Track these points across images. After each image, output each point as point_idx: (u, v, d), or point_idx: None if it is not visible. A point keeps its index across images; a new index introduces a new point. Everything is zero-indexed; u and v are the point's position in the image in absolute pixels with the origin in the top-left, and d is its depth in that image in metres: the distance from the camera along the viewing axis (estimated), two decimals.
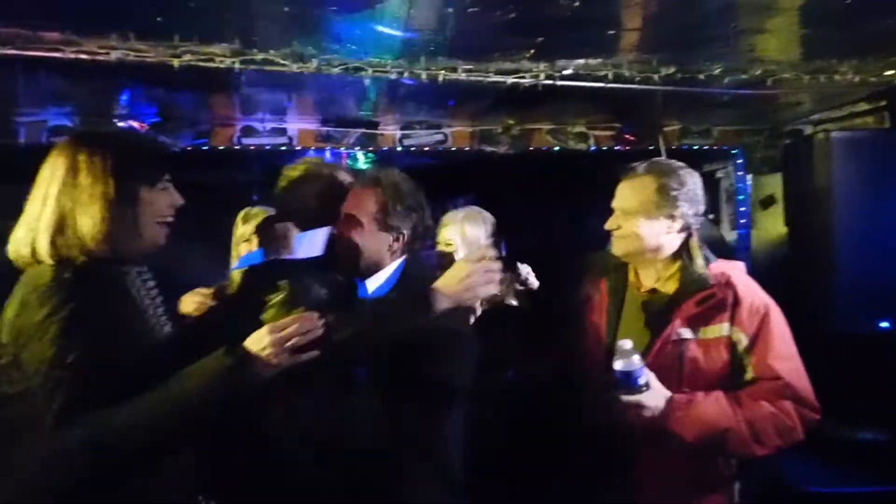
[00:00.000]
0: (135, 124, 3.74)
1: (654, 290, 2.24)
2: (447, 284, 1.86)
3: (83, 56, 2.64)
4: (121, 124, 3.71)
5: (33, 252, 1.68)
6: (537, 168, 4.36)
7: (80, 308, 1.59)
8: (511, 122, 4.05)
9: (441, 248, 3.02)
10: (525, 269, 3.01)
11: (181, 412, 1.60)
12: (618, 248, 2.26)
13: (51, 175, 1.76)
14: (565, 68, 3.09)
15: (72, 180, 1.74)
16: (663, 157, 3.13)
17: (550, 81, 3.13)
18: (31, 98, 3.30)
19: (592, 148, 4.19)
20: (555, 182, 4.47)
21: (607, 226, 2.25)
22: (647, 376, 1.99)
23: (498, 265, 1.91)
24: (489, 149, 4.10)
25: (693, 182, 2.19)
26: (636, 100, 3.39)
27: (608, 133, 4.24)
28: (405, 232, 2.10)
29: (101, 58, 2.66)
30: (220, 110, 3.68)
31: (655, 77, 3.14)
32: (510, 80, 3.14)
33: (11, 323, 1.62)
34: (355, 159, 3.86)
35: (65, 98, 3.40)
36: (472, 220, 3.03)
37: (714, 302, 2.10)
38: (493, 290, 1.89)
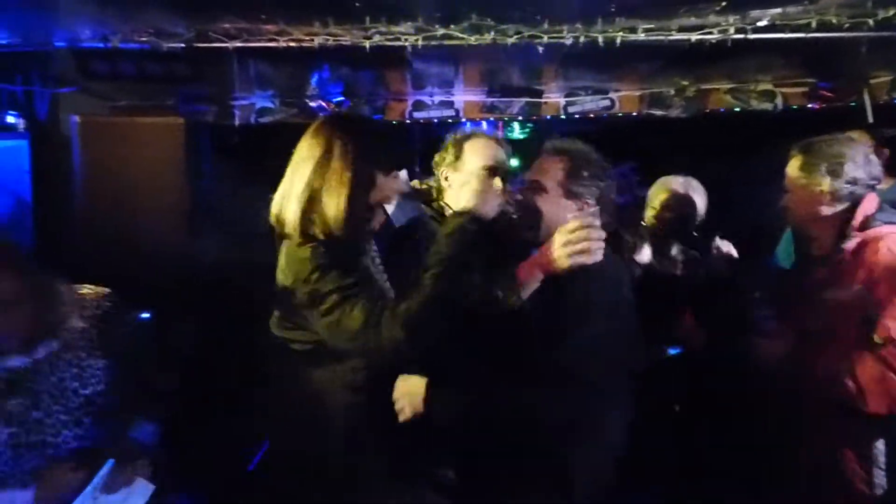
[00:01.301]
0: (323, 103, 3.21)
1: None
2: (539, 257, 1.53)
3: (292, 44, 2.42)
4: (311, 103, 3.22)
5: (282, 223, 1.50)
6: (713, 131, 3.26)
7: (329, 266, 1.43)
8: (685, 82, 3.10)
9: None
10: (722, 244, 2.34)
11: None
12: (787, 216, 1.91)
13: (307, 154, 1.51)
14: (759, 19, 2.27)
15: (325, 162, 1.48)
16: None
17: (742, 35, 2.32)
18: (243, 84, 3.09)
19: (780, 107, 3.04)
20: (734, 146, 3.34)
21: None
22: None
23: (593, 231, 1.49)
24: (659, 112, 3.14)
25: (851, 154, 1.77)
26: (839, 49, 2.44)
27: (800, 90, 3.04)
28: (589, 201, 1.65)
29: (306, 44, 2.43)
30: (395, 86, 3.21)
31: (870, 22, 2.20)
32: (695, 36, 2.35)
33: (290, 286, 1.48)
34: (512, 129, 2.80)
35: (268, 82, 3.11)
36: None
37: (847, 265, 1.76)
38: (592, 257, 1.49)
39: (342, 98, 3.26)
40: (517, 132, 3.39)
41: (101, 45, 2.38)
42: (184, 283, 2.33)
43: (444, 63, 2.92)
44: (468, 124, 3.20)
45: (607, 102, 3.11)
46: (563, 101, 3.16)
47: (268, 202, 1.51)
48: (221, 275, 2.39)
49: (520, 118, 3.21)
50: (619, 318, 1.56)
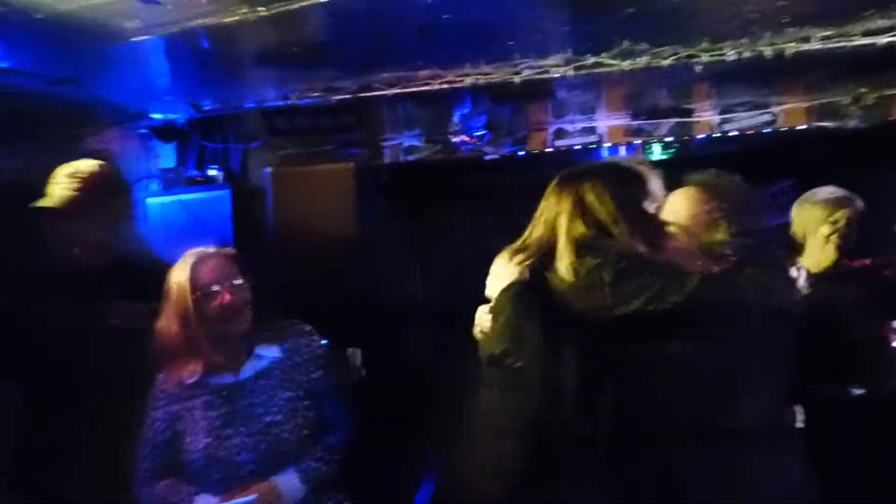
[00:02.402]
0: (465, 137, 3.21)
1: None
2: None
3: (444, 86, 2.54)
4: (454, 139, 3.22)
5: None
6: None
7: None
8: (863, 90, 2.70)
9: None
10: None
11: None
12: None
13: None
14: None
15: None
16: None
17: None
18: (393, 125, 3.23)
19: None
20: None
21: None
22: None
23: None
24: (832, 124, 2.76)
25: None
26: None
27: None
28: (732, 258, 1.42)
29: (457, 85, 2.53)
30: (535, 117, 3.16)
31: None
32: (884, 39, 2.08)
33: None
34: (651, 150, 2.64)
35: (414, 122, 3.22)
36: None
37: None
38: None
39: (484, 132, 3.29)
40: (656, 154, 3.19)
41: (282, 103, 2.64)
42: (360, 313, 2.47)
43: (586, 90, 2.87)
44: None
45: (768, 117, 2.81)
46: (717, 118, 2.92)
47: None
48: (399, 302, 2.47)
49: (669, 139, 3.02)
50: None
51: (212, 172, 2.92)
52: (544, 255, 1.40)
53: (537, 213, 1.49)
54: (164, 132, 2.87)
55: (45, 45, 2.12)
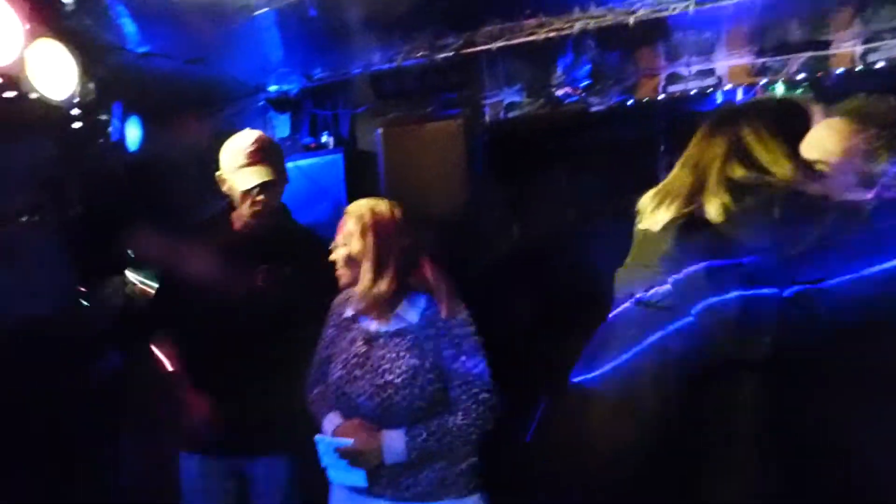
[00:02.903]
0: (569, 89, 3.07)
1: None
2: None
3: (552, 35, 2.47)
4: (557, 92, 3.07)
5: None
6: None
7: None
8: None
9: None
10: None
11: None
12: None
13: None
14: None
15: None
16: None
17: None
18: (493, 82, 3.12)
19: None
20: None
21: None
22: None
23: None
24: None
25: None
26: None
27: None
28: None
29: (565, 32, 2.46)
30: (646, 62, 2.94)
31: None
32: None
33: None
34: (773, 90, 2.40)
35: (515, 77, 3.10)
36: None
37: None
38: None
39: (589, 81, 3.12)
40: (781, 94, 2.87)
41: (387, 66, 2.67)
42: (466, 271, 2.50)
43: (705, 28, 2.63)
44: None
45: None
46: (859, 49, 2.55)
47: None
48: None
49: (801, 76, 2.69)
50: None
51: (324, 139, 3.06)
52: (687, 200, 1.34)
53: (682, 160, 1.42)
54: (280, 103, 3.03)
55: (178, 28, 2.31)
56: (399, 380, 1.54)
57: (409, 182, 2.56)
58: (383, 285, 1.57)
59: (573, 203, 3.57)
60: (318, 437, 1.61)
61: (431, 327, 1.57)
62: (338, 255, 1.64)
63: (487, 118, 3.36)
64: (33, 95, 2.01)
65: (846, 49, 2.58)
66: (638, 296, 1.38)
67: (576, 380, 1.47)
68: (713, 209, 1.28)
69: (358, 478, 1.57)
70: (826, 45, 2.59)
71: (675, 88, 2.92)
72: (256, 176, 1.89)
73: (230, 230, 1.99)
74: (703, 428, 1.27)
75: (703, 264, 1.26)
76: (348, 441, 1.55)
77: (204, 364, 1.92)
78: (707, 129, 1.40)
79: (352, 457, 1.55)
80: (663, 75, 2.95)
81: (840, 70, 2.58)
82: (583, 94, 3.11)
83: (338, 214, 1.83)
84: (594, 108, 3.05)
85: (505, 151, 3.38)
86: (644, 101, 2.99)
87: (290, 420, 1.87)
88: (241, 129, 1.99)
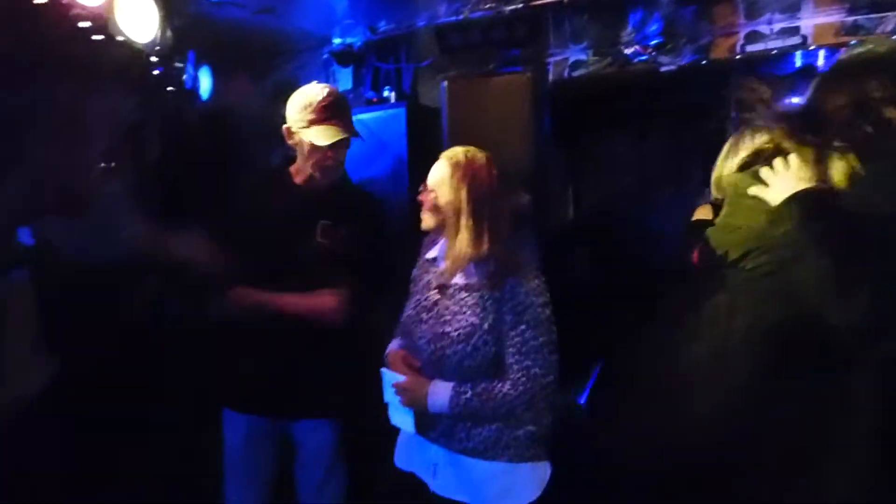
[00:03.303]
0: (638, 48, 2.92)
1: None
2: None
3: None
4: (626, 50, 2.94)
5: None
6: None
7: None
8: None
9: None
10: None
11: None
12: None
13: None
14: None
15: None
16: None
17: None
18: (558, 40, 3.02)
19: None
20: None
21: None
22: None
23: None
24: None
25: None
26: None
27: None
28: None
29: None
30: (723, 19, 2.77)
31: None
32: None
33: None
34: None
35: (582, 34, 2.98)
36: None
37: None
38: None
39: (660, 40, 2.97)
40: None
41: (454, 18, 2.61)
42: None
43: None
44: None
45: None
46: None
47: None
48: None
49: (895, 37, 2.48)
50: None
51: (386, 93, 3.04)
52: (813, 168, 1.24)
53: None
54: (343, 56, 3.02)
55: None
56: (456, 333, 1.51)
57: (473, 138, 2.50)
58: (481, 246, 1.51)
59: (638, 169, 3.45)
60: (382, 369, 1.62)
61: (497, 289, 1.51)
62: (426, 197, 1.59)
63: (552, 76, 3.29)
64: (119, 38, 2.07)
65: None
66: (734, 258, 1.32)
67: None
68: (838, 174, 1.20)
69: (407, 422, 1.58)
70: None
71: (754, 48, 2.73)
72: (332, 133, 1.85)
73: (292, 184, 1.97)
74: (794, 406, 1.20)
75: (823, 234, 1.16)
76: (401, 377, 1.56)
77: (259, 322, 1.90)
78: (825, 85, 1.29)
79: (402, 394, 1.56)
80: (742, 34, 2.77)
81: None
82: (653, 53, 2.97)
83: (400, 169, 1.82)
84: (664, 69, 2.92)
85: (569, 112, 3.28)
86: (718, 60, 2.81)
87: (342, 383, 1.90)
88: (305, 82, 1.98)
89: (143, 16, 2.25)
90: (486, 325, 1.50)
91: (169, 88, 2.44)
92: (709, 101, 3.00)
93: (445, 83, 2.65)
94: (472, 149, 1.64)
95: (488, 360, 1.51)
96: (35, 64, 1.89)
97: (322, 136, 1.87)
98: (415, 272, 1.74)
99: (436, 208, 1.57)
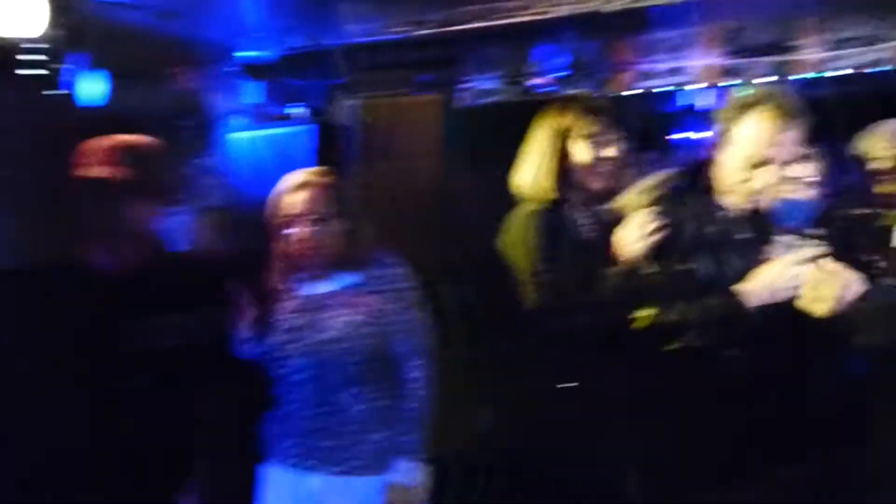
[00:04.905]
0: (546, 79, 3.00)
1: None
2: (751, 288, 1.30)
3: (533, 17, 2.43)
4: (535, 81, 3.02)
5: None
6: None
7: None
8: None
9: None
10: None
11: None
12: None
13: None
14: None
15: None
16: None
17: None
18: (471, 66, 3.03)
19: None
20: None
21: None
22: None
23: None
24: None
25: None
26: None
27: None
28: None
29: (547, 16, 2.42)
30: (621, 55, 2.92)
31: None
32: None
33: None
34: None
35: (493, 63, 3.03)
36: None
37: None
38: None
39: (567, 72, 3.08)
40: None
41: (366, 39, 2.56)
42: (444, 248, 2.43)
43: (679, 24, 2.62)
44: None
45: (885, 54, 2.47)
46: (823, 56, 2.59)
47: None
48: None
49: (759, 80, 2.72)
50: None
51: (297, 109, 2.93)
52: None
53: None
54: (254, 69, 2.88)
55: None
56: (337, 334, 1.48)
57: (383, 156, 2.48)
58: (353, 243, 1.52)
59: None
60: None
61: (374, 283, 1.53)
62: (302, 227, 1.52)
63: (463, 102, 3.32)
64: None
65: (811, 55, 2.63)
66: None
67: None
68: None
69: None
70: (792, 49, 2.63)
71: (647, 84, 2.91)
72: None
73: None
74: None
75: None
76: None
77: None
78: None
79: None
80: (636, 70, 2.94)
81: (804, 75, 2.63)
82: (557, 85, 3.09)
83: None
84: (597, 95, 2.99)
85: (478, 136, 3.32)
86: (616, 95, 2.97)
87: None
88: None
89: (31, 9, 2.02)
90: (370, 320, 1.51)
91: (49, 92, 2.19)
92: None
93: (356, 102, 2.64)
94: (308, 168, 1.65)
95: (378, 353, 1.51)
96: None
97: None
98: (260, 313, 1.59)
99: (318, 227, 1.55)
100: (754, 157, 1.32)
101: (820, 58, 2.61)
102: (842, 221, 1.40)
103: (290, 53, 2.87)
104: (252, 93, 3.00)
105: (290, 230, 1.52)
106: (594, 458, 1.51)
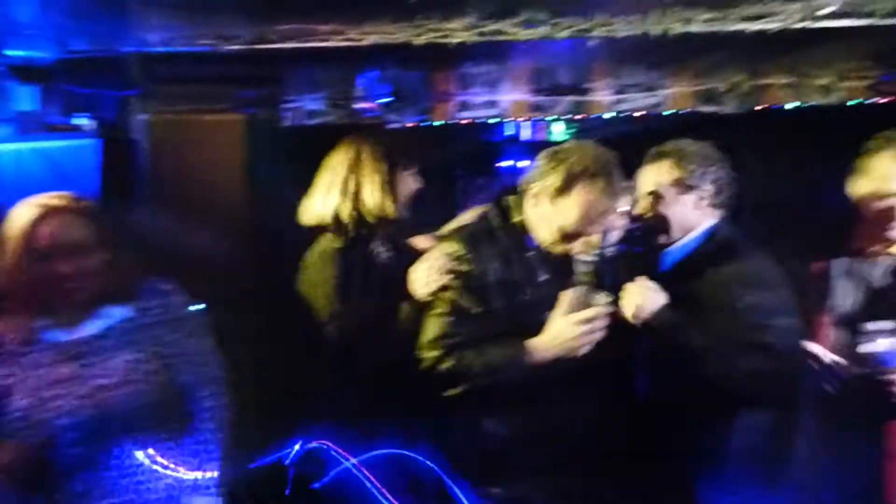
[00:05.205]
0: (370, 104, 3.00)
1: None
2: (540, 344, 1.39)
3: (347, 43, 2.33)
4: (359, 105, 3.01)
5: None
6: (765, 128, 2.90)
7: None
8: (739, 78, 2.79)
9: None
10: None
11: None
12: None
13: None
14: (826, 5, 2.02)
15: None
16: None
17: (804, 24, 2.05)
18: (294, 87, 2.97)
19: (843, 103, 2.71)
20: (788, 143, 2.96)
21: None
22: None
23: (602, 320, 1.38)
24: (709, 109, 2.83)
25: None
26: None
27: (862, 84, 2.69)
28: (706, 187, 1.63)
29: (359, 43, 2.33)
30: (441, 86, 3.01)
31: None
32: (755, 26, 2.09)
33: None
34: (550, 132, 2.60)
35: (318, 85, 2.98)
36: None
37: None
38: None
39: (390, 99, 3.10)
40: (559, 134, 3.18)
41: (165, 49, 2.32)
42: (240, 276, 2.26)
43: (491, 61, 2.77)
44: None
45: (657, 99, 2.85)
46: (610, 98, 2.92)
47: None
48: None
49: (566, 116, 2.99)
50: None
51: (80, 120, 2.54)
52: None
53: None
54: (24, 71, 2.45)
55: None
56: (115, 379, 1.32)
57: (177, 177, 2.24)
58: (119, 274, 1.37)
59: None
60: None
61: (148, 315, 1.40)
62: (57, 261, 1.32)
63: (285, 122, 3.17)
64: None
65: (601, 97, 2.95)
66: None
67: None
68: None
69: None
70: (586, 91, 2.94)
71: (465, 115, 3.04)
72: None
73: None
74: None
75: None
76: None
77: None
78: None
79: None
80: (455, 102, 3.04)
81: (596, 115, 2.94)
82: (382, 111, 3.09)
83: None
84: (391, 126, 3.03)
85: (299, 159, 3.19)
86: (439, 124, 3.07)
87: None
88: None
89: None
90: (149, 356, 1.37)
91: None
92: (437, 162, 3.21)
93: (145, 117, 2.36)
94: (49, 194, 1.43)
95: (171, 390, 1.38)
96: None
97: None
98: (6, 364, 1.36)
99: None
100: (567, 230, 1.43)
101: (609, 100, 2.94)
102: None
103: (72, 56, 2.49)
104: (23, 98, 2.54)
105: (41, 264, 1.29)
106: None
